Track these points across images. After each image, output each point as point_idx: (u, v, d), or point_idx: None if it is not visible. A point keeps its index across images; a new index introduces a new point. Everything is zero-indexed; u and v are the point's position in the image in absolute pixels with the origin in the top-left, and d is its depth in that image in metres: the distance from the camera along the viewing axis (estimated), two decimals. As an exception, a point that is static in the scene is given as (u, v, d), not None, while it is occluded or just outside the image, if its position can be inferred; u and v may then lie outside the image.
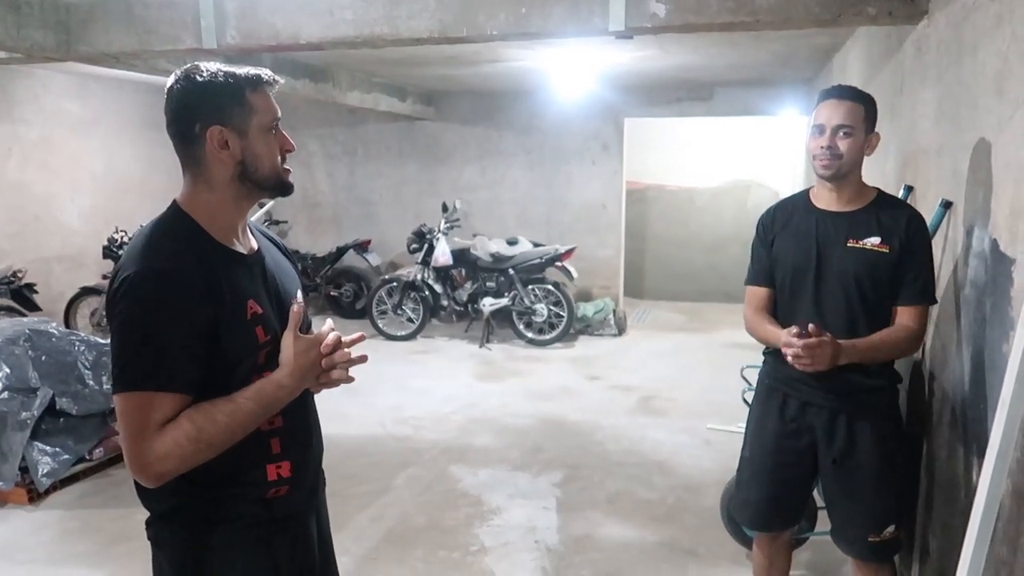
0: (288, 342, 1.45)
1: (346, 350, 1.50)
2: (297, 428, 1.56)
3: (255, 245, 1.57)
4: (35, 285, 6.50)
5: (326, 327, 1.52)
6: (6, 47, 3.86)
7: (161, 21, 3.84)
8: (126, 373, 1.33)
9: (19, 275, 6.38)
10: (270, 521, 1.51)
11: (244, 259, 1.50)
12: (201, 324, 1.36)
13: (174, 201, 1.49)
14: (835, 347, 2.11)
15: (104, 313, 6.06)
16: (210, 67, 1.44)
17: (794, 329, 2.15)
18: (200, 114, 1.42)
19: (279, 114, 1.50)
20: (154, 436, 1.32)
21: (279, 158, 1.50)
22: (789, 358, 2.14)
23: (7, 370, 3.99)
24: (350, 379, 1.53)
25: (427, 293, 7.73)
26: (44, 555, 3.47)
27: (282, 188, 1.53)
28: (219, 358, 1.39)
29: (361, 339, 1.57)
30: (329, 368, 1.48)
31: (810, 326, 2.12)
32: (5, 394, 3.92)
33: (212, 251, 1.44)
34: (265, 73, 1.48)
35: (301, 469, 1.56)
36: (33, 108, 7.13)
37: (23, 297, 6.33)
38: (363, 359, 1.55)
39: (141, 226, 1.52)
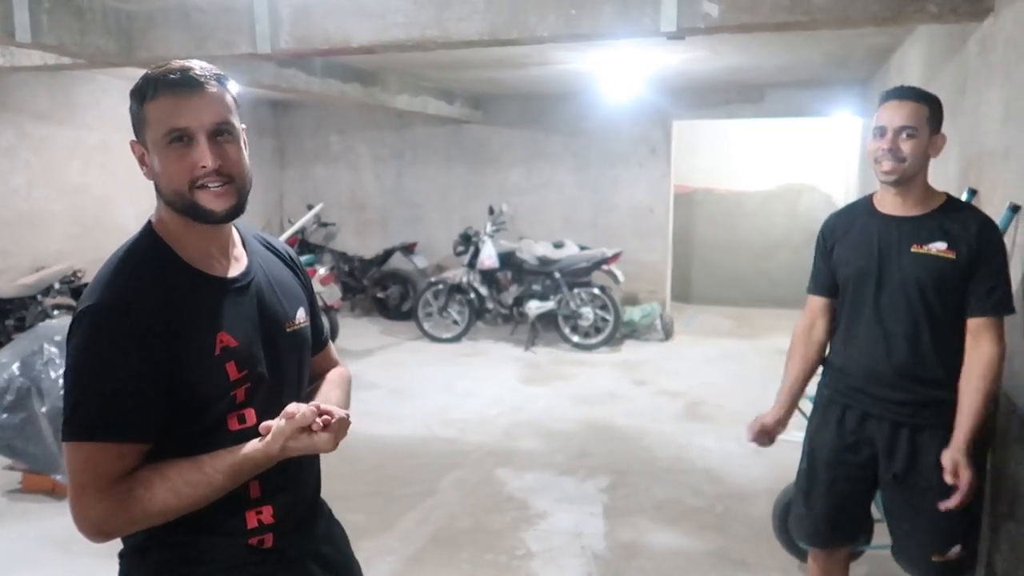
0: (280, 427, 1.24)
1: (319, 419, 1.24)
2: (280, 469, 1.33)
3: (244, 265, 1.37)
4: (94, 284, 6.70)
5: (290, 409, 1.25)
6: (71, 53, 3.98)
7: (217, 27, 3.93)
8: (72, 421, 1.20)
9: (79, 275, 6.59)
10: (255, 563, 1.36)
11: (222, 284, 1.31)
12: (158, 365, 1.21)
13: (149, 220, 1.33)
14: (962, 457, 2.05)
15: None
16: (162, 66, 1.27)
17: (769, 419, 2.37)
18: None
19: (178, 124, 1.24)
20: (102, 492, 1.18)
21: (187, 177, 1.24)
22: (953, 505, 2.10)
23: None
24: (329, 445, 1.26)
25: (473, 296, 7.75)
26: (101, 547, 3.55)
27: (192, 212, 1.26)
28: (186, 398, 1.24)
29: (325, 415, 1.26)
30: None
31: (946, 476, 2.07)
32: (63, 390, 4.04)
33: (181, 278, 1.27)
34: (173, 73, 1.24)
35: (286, 512, 1.38)
36: (94, 113, 7.35)
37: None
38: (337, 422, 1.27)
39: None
